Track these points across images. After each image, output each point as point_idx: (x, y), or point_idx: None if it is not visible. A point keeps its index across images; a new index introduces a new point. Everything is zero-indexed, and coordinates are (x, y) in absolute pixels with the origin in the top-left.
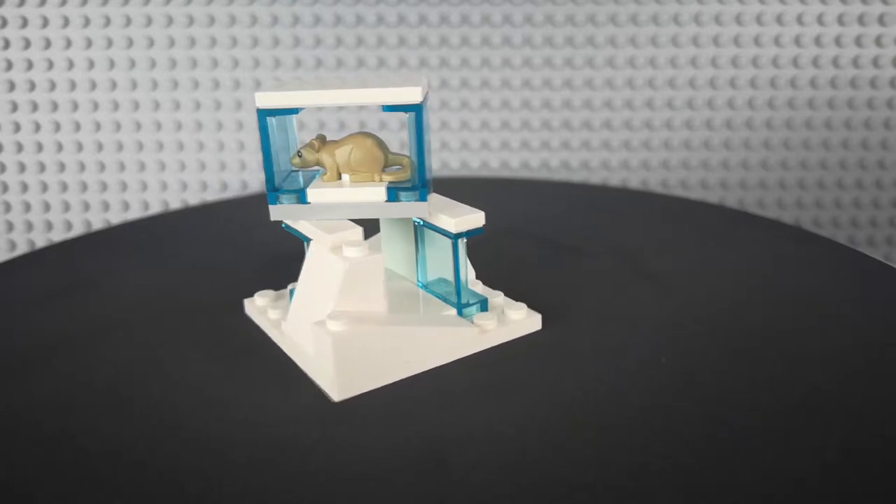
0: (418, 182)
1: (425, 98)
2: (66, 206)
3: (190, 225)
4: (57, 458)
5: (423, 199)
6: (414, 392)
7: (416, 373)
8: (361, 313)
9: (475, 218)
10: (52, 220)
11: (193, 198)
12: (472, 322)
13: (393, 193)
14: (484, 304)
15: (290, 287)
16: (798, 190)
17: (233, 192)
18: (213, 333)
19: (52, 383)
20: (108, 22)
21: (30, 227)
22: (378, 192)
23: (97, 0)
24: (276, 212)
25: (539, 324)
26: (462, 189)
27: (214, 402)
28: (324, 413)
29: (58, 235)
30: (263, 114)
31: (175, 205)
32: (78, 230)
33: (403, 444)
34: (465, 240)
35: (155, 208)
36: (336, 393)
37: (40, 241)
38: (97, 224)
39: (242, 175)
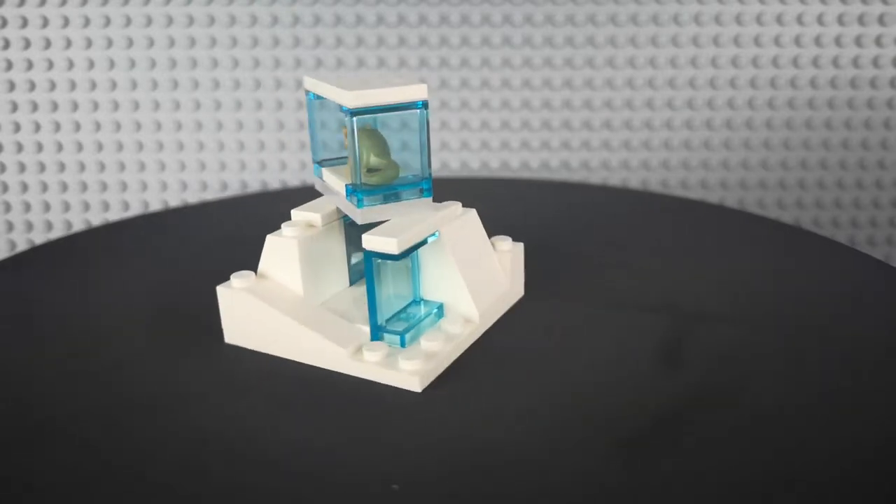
0: (357, 188)
1: (383, 108)
2: (66, 206)
3: (188, 223)
4: (58, 457)
5: (358, 205)
6: (282, 371)
7: (291, 357)
8: (269, 284)
9: (386, 242)
10: (53, 220)
11: (193, 198)
12: (358, 346)
13: (349, 192)
14: (402, 339)
15: None
16: (798, 190)
17: (233, 192)
18: (213, 332)
19: (51, 383)
20: (108, 22)
21: (30, 227)
22: (343, 187)
23: (97, 0)
24: (315, 181)
25: (417, 387)
26: (462, 189)
27: (215, 401)
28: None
29: (58, 235)
30: (309, 95)
31: (175, 205)
32: (78, 230)
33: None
34: (380, 261)
35: (155, 208)
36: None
37: (40, 241)
38: (97, 224)
39: (242, 175)
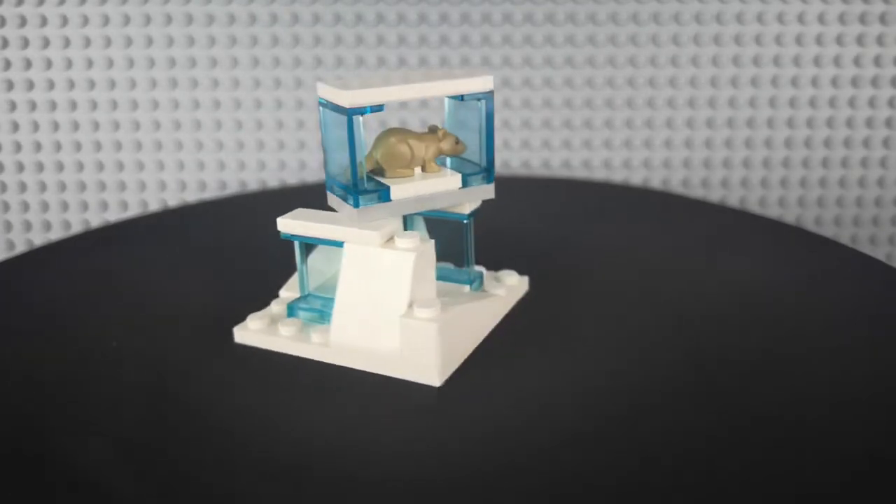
0: (329, 177)
1: (324, 104)
2: (65, 206)
3: (188, 223)
4: (57, 463)
5: (327, 189)
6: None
7: None
8: None
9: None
10: (51, 220)
11: (192, 197)
12: (276, 297)
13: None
14: (290, 309)
15: None
16: (800, 188)
17: (232, 191)
18: (214, 331)
19: (53, 384)
20: (106, 21)
21: (28, 226)
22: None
23: None
24: None
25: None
26: None
27: (216, 400)
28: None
29: (56, 235)
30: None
31: (174, 204)
32: (76, 230)
33: None
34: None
35: (153, 208)
36: None
37: (38, 241)
38: (95, 224)
39: (241, 175)
